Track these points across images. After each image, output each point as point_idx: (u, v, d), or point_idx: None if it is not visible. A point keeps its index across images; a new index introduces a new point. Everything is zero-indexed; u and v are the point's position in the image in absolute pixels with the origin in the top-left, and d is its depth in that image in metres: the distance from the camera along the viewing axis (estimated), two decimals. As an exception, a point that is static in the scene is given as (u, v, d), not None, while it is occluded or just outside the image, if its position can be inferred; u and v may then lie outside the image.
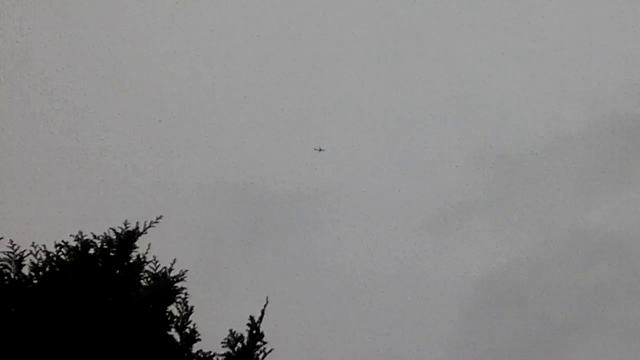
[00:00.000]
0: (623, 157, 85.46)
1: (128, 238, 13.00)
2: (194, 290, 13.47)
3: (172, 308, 13.09)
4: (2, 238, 12.53)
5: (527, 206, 79.64)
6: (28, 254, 12.58)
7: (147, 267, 13.36)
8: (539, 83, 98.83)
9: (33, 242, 12.73)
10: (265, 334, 11.90)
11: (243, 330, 12.61)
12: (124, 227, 13.04)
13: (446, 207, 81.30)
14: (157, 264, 13.38)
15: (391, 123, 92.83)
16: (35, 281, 12.31)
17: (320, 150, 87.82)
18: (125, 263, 12.88)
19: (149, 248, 13.45)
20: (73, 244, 12.70)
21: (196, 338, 12.76)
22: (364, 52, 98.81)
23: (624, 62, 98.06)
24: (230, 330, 12.10)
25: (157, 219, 13.54)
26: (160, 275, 13.34)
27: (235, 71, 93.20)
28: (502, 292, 67.85)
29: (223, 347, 12.12)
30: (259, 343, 11.96)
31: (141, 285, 12.90)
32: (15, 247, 12.55)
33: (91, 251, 12.65)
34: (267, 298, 11.76)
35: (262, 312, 11.83)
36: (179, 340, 12.83)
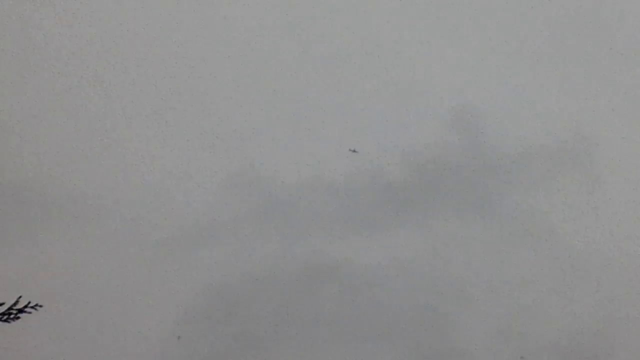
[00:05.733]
0: (371, 210, 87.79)
1: None
2: None
3: None
4: None
5: (266, 231, 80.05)
6: None
7: None
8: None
9: None
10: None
11: None
12: None
13: (187, 222, 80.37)
14: None
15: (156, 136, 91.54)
16: None
17: (354, 151, 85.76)
18: None
19: None
20: None
21: None
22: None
23: (404, 128, 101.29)
24: None
25: None
26: None
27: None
28: (219, 306, 67.33)
29: None
30: None
31: None
32: None
33: None
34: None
35: None
36: None
